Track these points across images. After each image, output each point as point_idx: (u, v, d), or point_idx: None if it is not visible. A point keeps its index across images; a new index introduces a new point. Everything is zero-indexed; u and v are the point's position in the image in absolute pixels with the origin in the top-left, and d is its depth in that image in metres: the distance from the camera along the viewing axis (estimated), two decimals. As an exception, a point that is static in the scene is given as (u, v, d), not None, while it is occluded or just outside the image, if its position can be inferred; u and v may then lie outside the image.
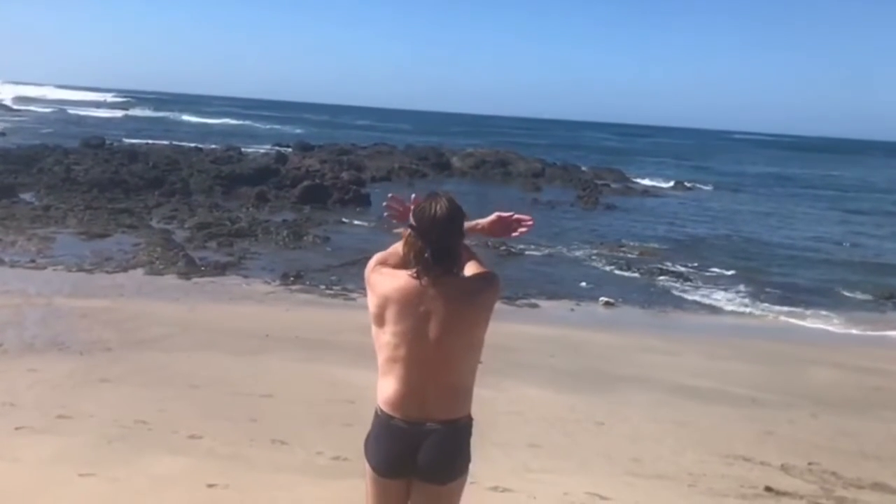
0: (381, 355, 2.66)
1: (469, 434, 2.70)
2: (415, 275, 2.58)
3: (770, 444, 6.44)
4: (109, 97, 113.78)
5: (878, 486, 5.58)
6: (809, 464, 5.97)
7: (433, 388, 2.60)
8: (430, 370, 2.58)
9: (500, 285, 2.76)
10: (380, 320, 2.63)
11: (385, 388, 2.64)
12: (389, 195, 2.89)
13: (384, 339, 2.63)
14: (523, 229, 2.92)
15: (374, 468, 2.69)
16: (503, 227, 2.92)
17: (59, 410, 5.91)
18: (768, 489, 5.34)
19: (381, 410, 2.67)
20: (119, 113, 74.67)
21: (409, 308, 2.57)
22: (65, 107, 77.88)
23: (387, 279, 2.64)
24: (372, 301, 2.66)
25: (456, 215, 2.59)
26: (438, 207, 2.57)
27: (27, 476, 4.52)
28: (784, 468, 5.84)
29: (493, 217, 2.92)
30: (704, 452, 6.09)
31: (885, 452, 6.46)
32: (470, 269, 2.76)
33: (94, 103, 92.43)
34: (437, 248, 2.55)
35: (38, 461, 4.78)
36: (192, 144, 35.04)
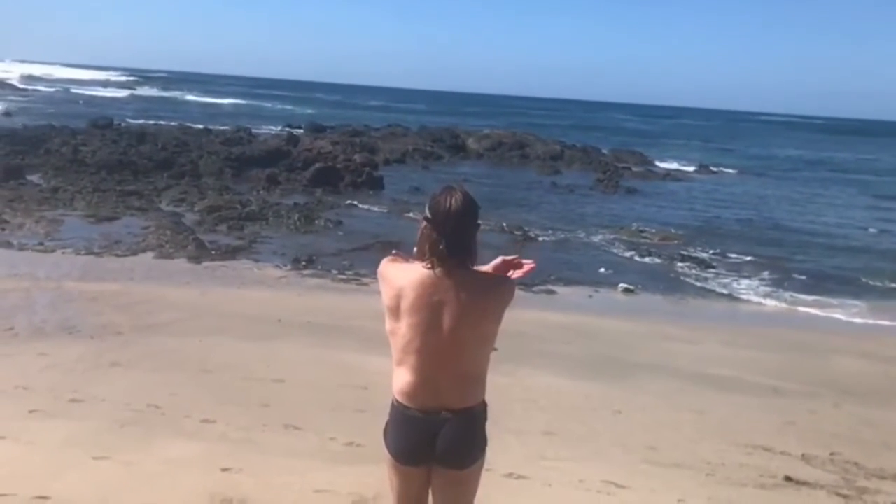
0: (395, 346, 2.77)
1: (484, 420, 2.81)
2: (429, 266, 2.68)
3: (791, 434, 6.50)
4: (114, 76, 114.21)
5: (901, 477, 5.64)
6: (831, 454, 6.03)
7: (447, 377, 2.71)
8: (444, 360, 2.69)
9: (514, 290, 2.85)
10: (394, 312, 2.73)
11: (400, 379, 2.76)
12: (393, 251, 2.98)
13: (398, 330, 2.73)
14: (526, 269, 2.99)
15: (394, 457, 2.82)
16: (505, 270, 2.99)
17: (72, 394, 6.06)
18: (788, 479, 5.41)
19: (397, 401, 2.79)
20: (124, 92, 75.01)
21: (424, 298, 2.67)
22: (71, 86, 78.31)
23: (402, 271, 2.75)
24: (387, 293, 2.75)
25: (470, 208, 2.70)
26: (454, 200, 2.68)
27: (42, 459, 4.66)
28: (805, 458, 5.90)
29: (497, 261, 3.00)
30: (723, 442, 6.17)
31: (910, 443, 6.51)
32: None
33: (100, 82, 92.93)
34: (451, 240, 2.66)
35: (51, 444, 4.92)
36: (201, 125, 35.19)
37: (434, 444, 2.73)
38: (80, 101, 56.56)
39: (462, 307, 2.67)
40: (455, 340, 2.68)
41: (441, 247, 2.66)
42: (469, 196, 2.73)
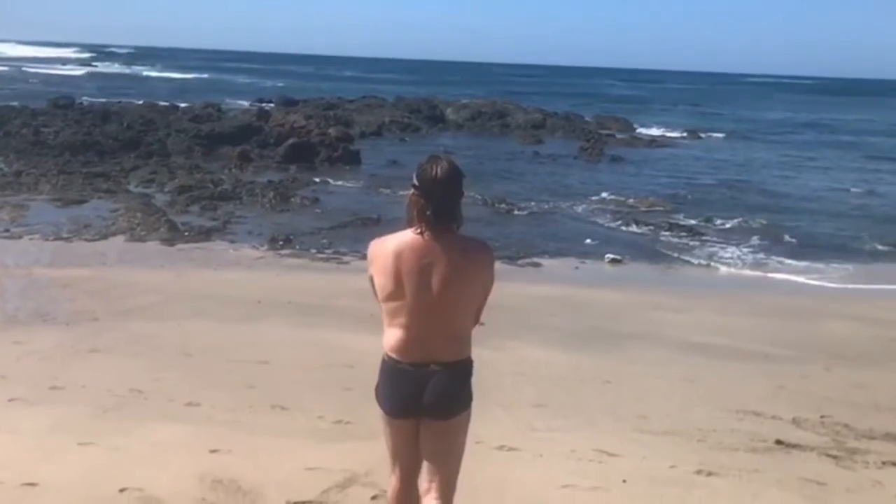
0: (388, 307, 3.03)
1: (470, 373, 3.10)
2: (418, 231, 2.95)
3: (782, 399, 6.71)
4: (72, 52, 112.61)
5: (891, 437, 5.85)
6: (821, 417, 6.24)
7: (436, 334, 2.99)
8: (434, 318, 2.97)
9: (493, 255, 3.15)
10: (388, 274, 2.98)
11: (391, 336, 3.04)
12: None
13: (391, 291, 2.98)
14: None
15: (386, 412, 3.12)
16: None
17: (51, 382, 6.15)
18: (779, 442, 5.61)
19: (388, 356, 3.06)
20: (83, 70, 74.05)
21: (414, 261, 2.94)
22: (26, 64, 77.24)
23: (392, 239, 3.01)
24: (379, 261, 3.01)
25: (455, 176, 2.95)
26: (440, 169, 2.94)
27: (27, 446, 4.76)
28: (795, 421, 6.11)
29: None
30: (714, 408, 6.36)
31: (900, 404, 6.74)
32: None
33: (57, 60, 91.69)
34: (438, 206, 2.92)
35: (36, 432, 5.02)
36: (167, 102, 34.95)
37: (422, 398, 3.01)
38: (37, 80, 55.90)
39: (450, 269, 2.94)
40: (443, 300, 2.95)
41: (429, 212, 2.92)
42: (454, 164, 2.99)
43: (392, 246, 2.98)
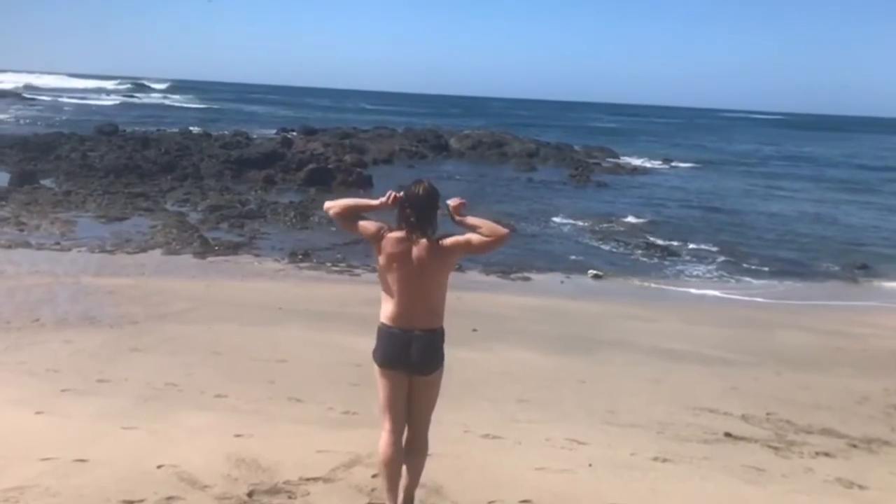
0: (384, 287, 3.67)
1: (442, 339, 3.70)
2: (405, 235, 3.60)
3: (734, 398, 6.93)
4: (113, 84, 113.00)
5: (826, 432, 6.07)
6: (767, 413, 6.46)
7: (417, 308, 3.61)
8: (415, 296, 3.60)
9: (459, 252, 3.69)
10: (385, 265, 3.63)
11: (386, 308, 3.67)
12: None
13: (387, 276, 3.63)
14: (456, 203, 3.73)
15: (379, 364, 3.69)
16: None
17: (98, 375, 6.39)
18: (728, 435, 5.83)
19: (383, 324, 3.67)
20: (126, 100, 74.51)
21: (402, 256, 3.59)
22: (72, 95, 77.59)
23: (390, 240, 3.62)
24: (380, 254, 3.64)
25: (433, 194, 3.63)
26: (421, 189, 3.63)
27: (78, 429, 4.99)
28: (744, 417, 6.33)
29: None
30: (674, 405, 6.58)
31: (838, 403, 6.95)
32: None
33: (101, 91, 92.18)
34: (420, 216, 3.58)
35: (85, 417, 5.25)
36: (201, 130, 35.28)
37: (408, 355, 3.60)
38: (83, 110, 56.26)
39: (427, 261, 3.57)
40: (423, 283, 3.60)
41: (413, 220, 3.58)
42: (432, 186, 3.66)
43: (389, 245, 3.59)
